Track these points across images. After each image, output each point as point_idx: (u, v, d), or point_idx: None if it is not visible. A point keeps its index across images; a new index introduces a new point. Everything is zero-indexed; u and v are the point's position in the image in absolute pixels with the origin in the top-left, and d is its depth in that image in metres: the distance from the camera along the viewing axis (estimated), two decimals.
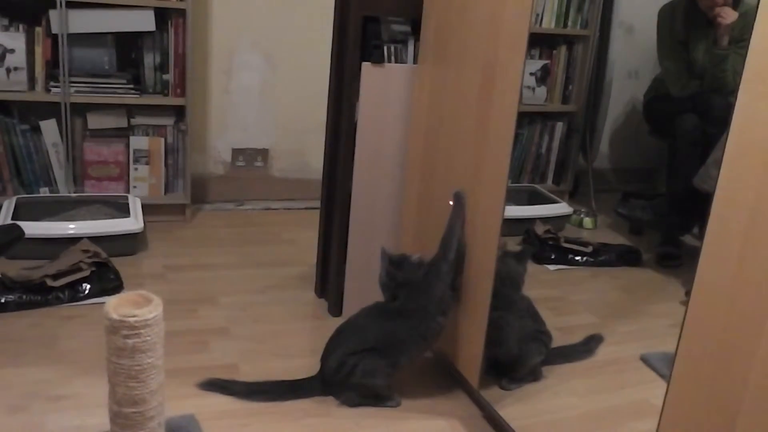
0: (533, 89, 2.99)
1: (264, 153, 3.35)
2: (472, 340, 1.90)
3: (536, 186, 3.19)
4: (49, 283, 2.24)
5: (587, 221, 3.13)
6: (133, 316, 1.39)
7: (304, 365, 2.00)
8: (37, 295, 2.23)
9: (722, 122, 1.22)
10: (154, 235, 2.84)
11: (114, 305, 1.42)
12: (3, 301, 2.18)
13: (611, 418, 1.91)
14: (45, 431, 1.66)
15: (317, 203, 2.48)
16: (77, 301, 2.27)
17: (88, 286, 2.30)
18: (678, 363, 1.25)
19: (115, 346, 1.41)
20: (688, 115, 2.70)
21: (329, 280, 2.39)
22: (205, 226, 3.06)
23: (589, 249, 2.86)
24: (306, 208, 3.31)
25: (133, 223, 2.66)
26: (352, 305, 2.32)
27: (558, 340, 2.35)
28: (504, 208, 1.77)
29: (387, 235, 2.29)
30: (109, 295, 2.28)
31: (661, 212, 3.01)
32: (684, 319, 1.24)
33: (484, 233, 1.82)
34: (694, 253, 1.23)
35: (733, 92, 1.16)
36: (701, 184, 2.51)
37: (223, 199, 3.32)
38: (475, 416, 1.89)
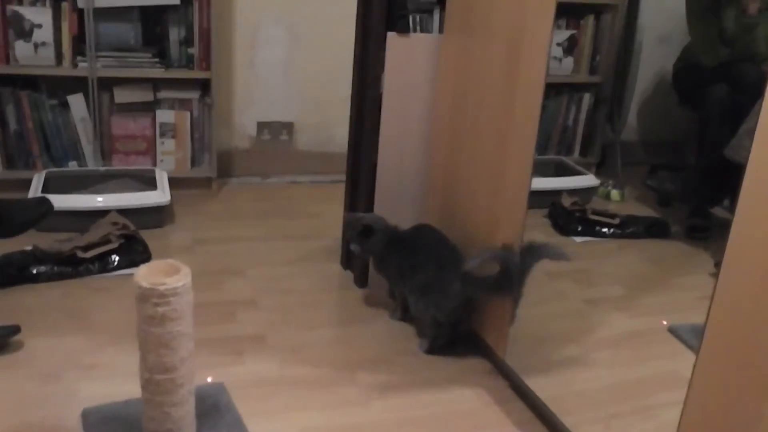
0: (560, 60, 2.95)
1: (289, 126, 3.35)
2: (498, 311, 1.90)
3: (563, 158, 3.16)
4: (80, 254, 2.27)
5: (614, 193, 3.10)
6: (163, 285, 1.41)
7: (331, 336, 2.02)
8: (67, 266, 2.26)
9: (754, 91, 1.19)
10: (180, 208, 2.86)
11: (144, 274, 1.44)
12: (35, 272, 2.22)
13: (640, 389, 1.90)
14: (78, 399, 1.69)
15: (342, 177, 2.48)
16: (107, 272, 2.31)
17: (117, 258, 2.33)
18: (707, 334, 1.24)
19: (145, 314, 1.43)
20: (719, 84, 2.65)
21: (354, 252, 2.40)
22: (231, 200, 3.08)
23: (617, 221, 2.83)
24: (330, 182, 3.32)
25: (160, 196, 2.68)
26: (377, 277, 2.33)
27: (584, 313, 2.34)
28: (531, 180, 1.76)
29: (412, 207, 2.29)
30: (137, 266, 2.31)
31: (690, 184, 2.97)
32: (714, 290, 1.22)
33: (511, 205, 1.81)
34: (723, 225, 1.21)
35: (765, 60, 1.14)
36: (733, 154, 2.47)
37: (248, 173, 3.34)
38: (502, 387, 1.89)
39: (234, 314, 2.15)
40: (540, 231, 2.77)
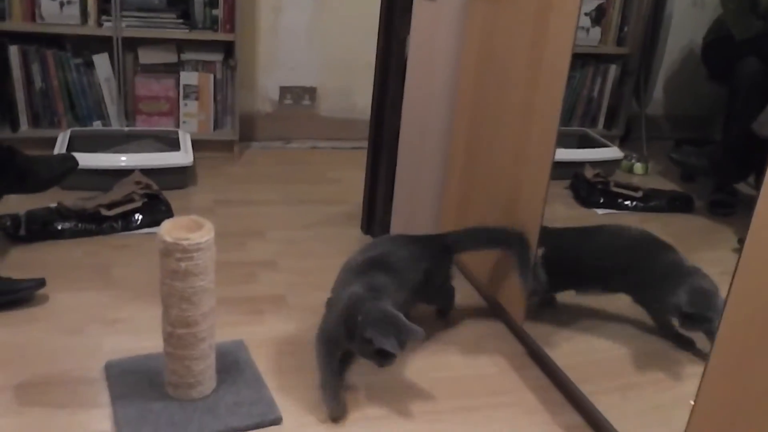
0: (587, 30, 2.90)
1: (311, 92, 3.34)
2: (517, 277, 1.90)
3: (587, 130, 3.12)
4: (103, 212, 2.30)
5: (638, 167, 3.06)
6: (186, 240, 1.42)
7: None
8: (91, 223, 2.29)
9: None
10: (202, 170, 2.87)
11: (167, 229, 1.45)
12: (59, 228, 2.25)
13: (658, 359, 1.90)
14: (102, 352, 1.72)
15: (363, 143, 2.48)
16: (130, 230, 2.33)
17: (140, 217, 2.36)
18: (728, 309, 1.23)
19: (168, 269, 1.44)
20: (750, 57, 2.60)
21: (375, 217, 2.41)
22: (252, 164, 3.09)
23: (640, 194, 2.80)
24: (352, 148, 3.31)
25: (183, 157, 2.70)
26: None
27: None
28: (555, 151, 1.74)
29: (434, 174, 2.28)
30: (159, 226, 2.34)
31: (715, 159, 2.93)
32: (736, 266, 1.21)
33: (534, 175, 1.80)
34: (748, 202, 1.20)
35: None
36: (761, 130, 2.43)
37: (270, 138, 3.34)
38: (520, 353, 1.90)
39: (255, 275, 2.17)
40: (561, 202, 2.75)
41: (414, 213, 2.33)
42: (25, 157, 2.12)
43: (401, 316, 1.59)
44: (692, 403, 1.30)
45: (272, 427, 1.54)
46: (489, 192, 2.02)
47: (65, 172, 2.20)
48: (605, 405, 1.62)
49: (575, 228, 2.22)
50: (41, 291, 1.92)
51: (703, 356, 1.29)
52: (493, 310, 2.07)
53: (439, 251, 1.93)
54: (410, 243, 1.90)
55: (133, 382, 1.60)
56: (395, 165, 2.28)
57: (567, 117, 3.07)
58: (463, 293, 2.19)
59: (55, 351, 1.73)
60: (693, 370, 1.32)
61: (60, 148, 2.65)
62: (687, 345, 1.79)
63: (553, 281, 1.94)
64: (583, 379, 1.70)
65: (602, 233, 2.14)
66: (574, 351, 1.87)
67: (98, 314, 1.89)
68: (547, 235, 1.83)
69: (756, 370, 1.18)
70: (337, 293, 1.78)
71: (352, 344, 1.60)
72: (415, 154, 2.27)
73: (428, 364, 1.82)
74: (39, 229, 2.22)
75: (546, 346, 1.83)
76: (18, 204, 2.26)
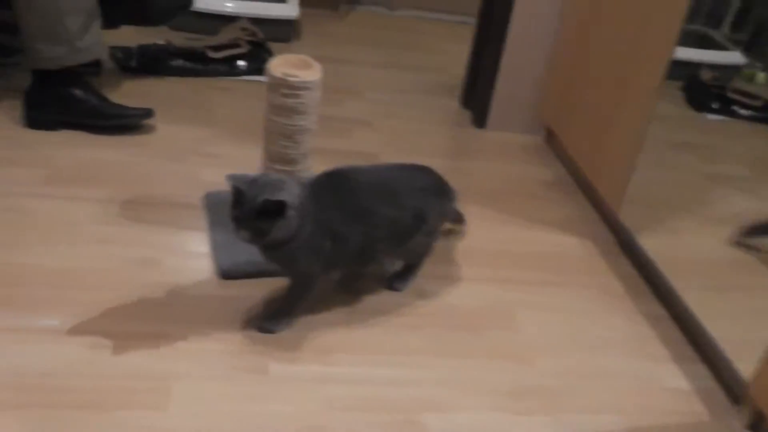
0: None
1: None
2: (619, 164, 1.83)
3: (708, 30, 2.92)
4: (210, 54, 2.32)
5: (761, 76, 2.86)
6: (295, 77, 1.42)
7: (443, 166, 2.00)
8: (197, 63, 2.32)
9: None
10: (306, 26, 2.85)
11: (277, 64, 1.45)
12: (167, 64, 2.29)
13: (757, 266, 1.83)
14: (199, 181, 1.78)
15: (468, 18, 2.41)
16: (233, 75, 2.36)
17: (244, 63, 2.37)
18: None
19: (273, 104, 1.46)
20: None
21: (476, 91, 2.35)
22: (355, 25, 3.05)
23: (758, 103, 2.64)
24: (456, 23, 3.21)
25: (289, 9, 2.67)
26: (496, 119, 2.29)
27: (703, 187, 2.24)
28: (674, 48, 1.63)
29: (542, 54, 2.19)
30: (262, 74, 2.35)
31: None
32: None
33: (648, 69, 1.70)
34: None
35: None
36: None
37: (375, 2, 3.27)
38: (609, 241, 1.87)
39: (350, 131, 2.18)
40: (674, 103, 2.62)
41: (516, 93, 2.26)
42: None
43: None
44: None
45: None
46: (597, 82, 1.93)
47: (179, 7, 2.21)
48: (694, 302, 1.58)
49: None
50: (148, 121, 1.99)
51: None
52: (585, 194, 2.03)
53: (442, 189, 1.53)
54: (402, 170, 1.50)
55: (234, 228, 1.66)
56: (503, 41, 2.20)
57: (689, 14, 2.87)
58: (554, 171, 2.15)
59: (158, 175, 1.80)
60: None
61: None
62: None
63: None
64: (674, 274, 1.66)
65: None
66: (667, 245, 1.82)
67: (199, 147, 1.95)
68: None
69: None
70: None
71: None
72: (525, 30, 2.17)
73: (516, 236, 1.82)
74: (148, 62, 2.27)
75: (639, 236, 1.78)
76: (130, 37, 2.31)
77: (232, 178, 1.24)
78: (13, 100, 1.95)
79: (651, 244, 1.76)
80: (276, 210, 1.22)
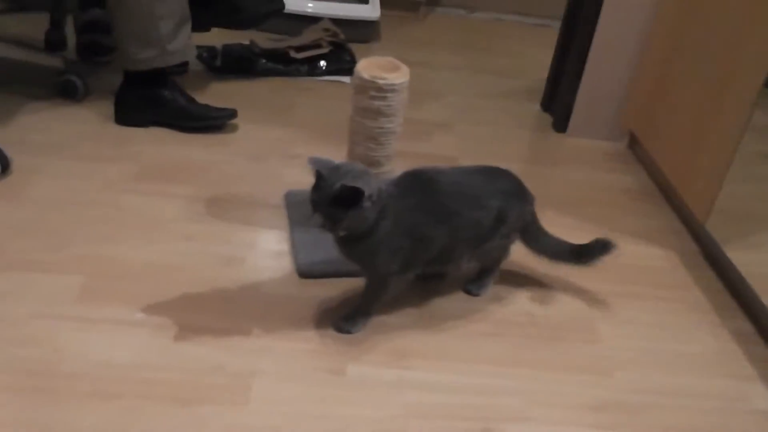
0: None
1: None
2: (710, 173, 1.77)
3: None
4: (292, 54, 2.36)
5: None
6: (383, 79, 1.42)
7: (522, 171, 1.99)
8: (279, 64, 2.36)
9: None
10: (386, 28, 2.86)
11: (365, 66, 1.46)
12: (251, 64, 2.34)
13: None
14: (282, 182, 1.81)
15: (548, 21, 2.37)
16: (314, 76, 2.39)
17: (325, 64, 2.40)
18: None
19: (360, 106, 1.47)
20: None
21: (559, 95, 2.31)
22: (435, 27, 3.05)
23: None
24: (536, 25, 3.16)
25: (370, 10, 2.69)
26: (578, 124, 2.25)
27: None
28: None
29: (629, 56, 2.14)
30: (343, 75, 2.38)
31: None
32: None
33: (748, 78, 1.62)
34: None
35: None
36: None
37: (454, 4, 3.25)
38: (694, 252, 1.81)
39: (429, 134, 2.18)
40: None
41: (599, 97, 2.21)
42: None
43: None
44: None
45: None
46: (688, 87, 1.87)
47: (271, 12, 2.24)
48: None
49: None
50: (232, 120, 2.03)
51: None
52: (670, 203, 1.97)
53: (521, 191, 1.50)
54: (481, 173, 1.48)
55: (310, 213, 1.68)
56: (589, 44, 2.15)
57: None
58: (637, 179, 2.10)
59: (240, 174, 1.84)
60: None
61: None
62: None
63: None
64: (763, 289, 1.59)
65: None
66: (758, 260, 1.75)
67: (280, 147, 1.98)
68: None
69: None
70: None
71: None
72: (615, 33, 2.12)
73: None
74: (232, 62, 2.33)
75: (729, 251, 1.72)
76: (215, 38, 2.37)
77: (314, 161, 1.24)
78: (105, 98, 2.03)
79: (739, 257, 1.69)
80: (352, 198, 1.20)
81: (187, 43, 1.94)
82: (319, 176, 1.24)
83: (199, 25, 2.00)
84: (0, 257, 1.46)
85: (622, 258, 1.75)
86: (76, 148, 1.85)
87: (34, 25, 2.34)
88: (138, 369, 1.25)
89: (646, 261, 1.76)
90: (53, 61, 2.06)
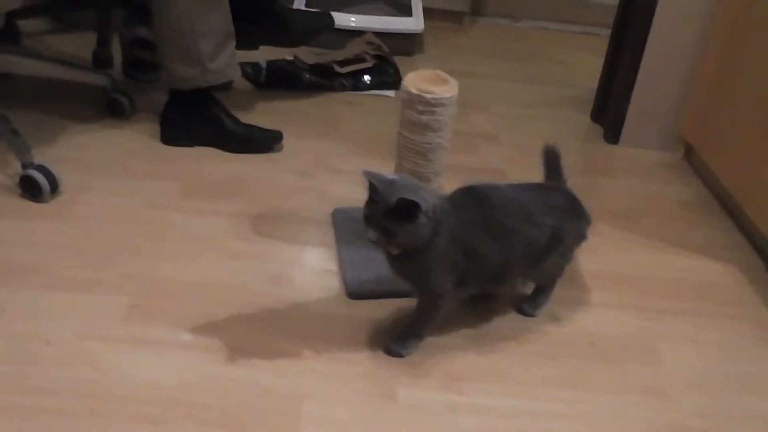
0: None
1: None
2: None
3: None
4: (336, 68, 2.34)
5: None
6: (430, 93, 1.39)
7: (572, 183, 1.94)
8: (323, 78, 2.34)
9: None
10: (430, 40, 2.83)
11: (412, 79, 1.43)
12: (295, 79, 2.32)
13: None
14: (328, 198, 1.78)
15: (594, 29, 2.34)
16: (358, 90, 2.36)
17: (369, 78, 2.38)
18: None
19: (407, 120, 1.43)
20: None
21: (609, 105, 2.24)
22: (479, 37, 3.00)
23: None
24: (582, 33, 3.09)
25: (414, 23, 2.66)
26: (630, 134, 2.19)
27: None
28: None
29: (684, 63, 2.07)
30: (387, 88, 2.35)
31: None
32: None
33: None
34: None
35: None
36: None
37: (499, 14, 3.20)
38: (758, 268, 1.73)
39: (476, 146, 2.13)
40: None
41: (653, 106, 2.14)
42: (285, 8, 2.15)
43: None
44: None
45: None
46: (749, 95, 1.79)
47: (321, 29, 2.22)
48: None
49: None
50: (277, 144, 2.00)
51: None
52: (730, 215, 1.89)
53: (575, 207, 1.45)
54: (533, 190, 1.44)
55: (358, 230, 1.64)
56: (641, 52, 2.08)
57: None
58: (694, 190, 2.02)
59: (286, 190, 1.82)
60: None
61: (298, 3, 2.71)
62: None
63: None
64: None
65: None
66: None
67: (325, 163, 1.96)
68: None
69: None
70: None
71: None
72: (669, 40, 2.05)
73: (655, 260, 1.72)
74: (277, 77, 2.31)
75: None
76: (259, 53, 2.36)
77: (369, 174, 1.21)
78: (152, 116, 2.03)
79: None
80: (408, 212, 1.17)
81: (229, 62, 1.91)
82: (373, 190, 1.21)
83: (248, 43, 1.97)
84: (46, 277, 1.46)
85: (681, 272, 1.69)
86: (123, 166, 1.86)
87: (82, 44, 2.37)
88: (185, 391, 1.23)
89: (707, 276, 1.68)
90: (100, 80, 2.07)
